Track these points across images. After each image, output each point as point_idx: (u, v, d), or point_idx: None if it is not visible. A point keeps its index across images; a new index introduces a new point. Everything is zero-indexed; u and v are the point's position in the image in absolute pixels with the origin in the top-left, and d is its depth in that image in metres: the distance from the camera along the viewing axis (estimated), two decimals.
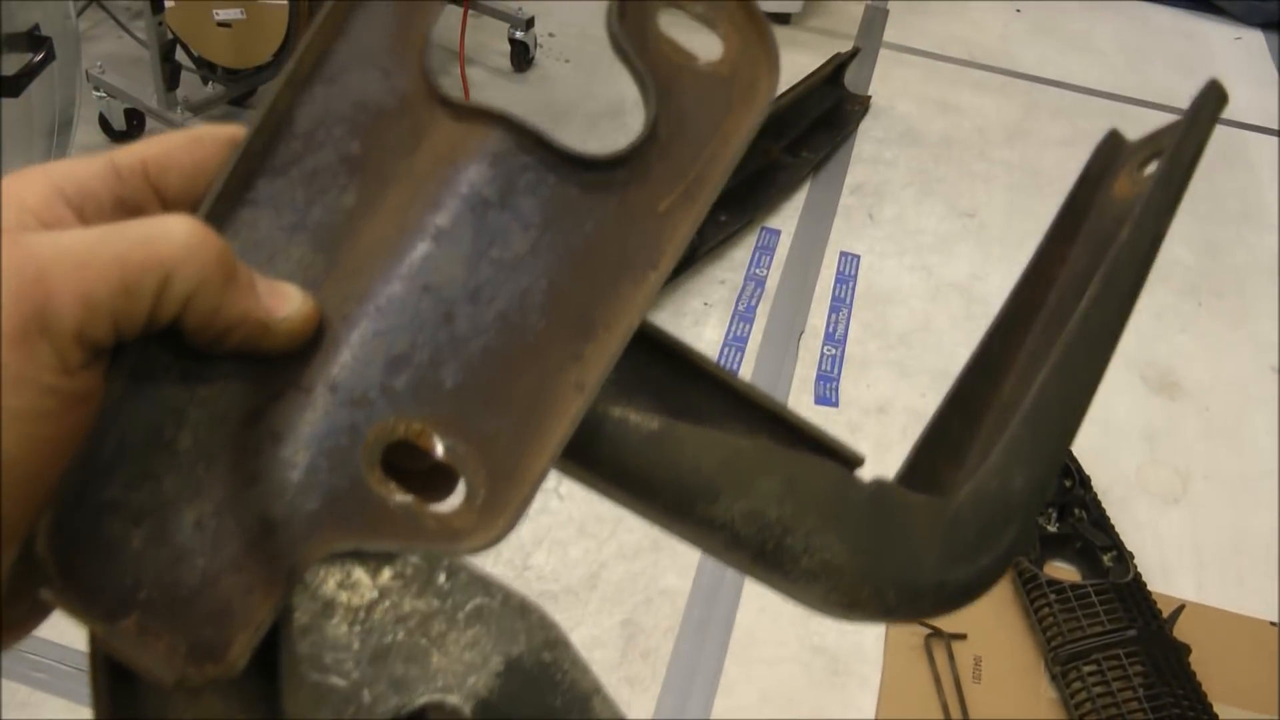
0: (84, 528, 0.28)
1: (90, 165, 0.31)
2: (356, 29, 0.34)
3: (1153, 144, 0.41)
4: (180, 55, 2.18)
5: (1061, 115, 2.77)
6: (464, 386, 0.32)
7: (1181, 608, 1.58)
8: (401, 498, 0.30)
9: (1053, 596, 1.56)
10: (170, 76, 2.16)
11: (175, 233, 0.29)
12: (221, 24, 2.10)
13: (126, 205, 0.32)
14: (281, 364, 0.31)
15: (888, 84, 2.78)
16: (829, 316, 2.07)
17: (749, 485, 0.34)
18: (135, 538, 0.28)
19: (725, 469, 0.34)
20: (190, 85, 2.22)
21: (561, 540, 1.63)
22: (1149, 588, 1.59)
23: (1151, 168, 0.40)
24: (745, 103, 0.37)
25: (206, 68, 2.24)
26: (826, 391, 1.91)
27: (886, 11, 3.15)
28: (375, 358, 0.31)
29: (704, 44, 0.39)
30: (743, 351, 1.97)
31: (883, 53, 2.94)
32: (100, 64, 2.23)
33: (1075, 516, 1.68)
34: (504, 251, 0.33)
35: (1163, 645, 1.51)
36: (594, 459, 0.34)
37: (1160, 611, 1.56)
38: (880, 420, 1.88)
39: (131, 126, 2.31)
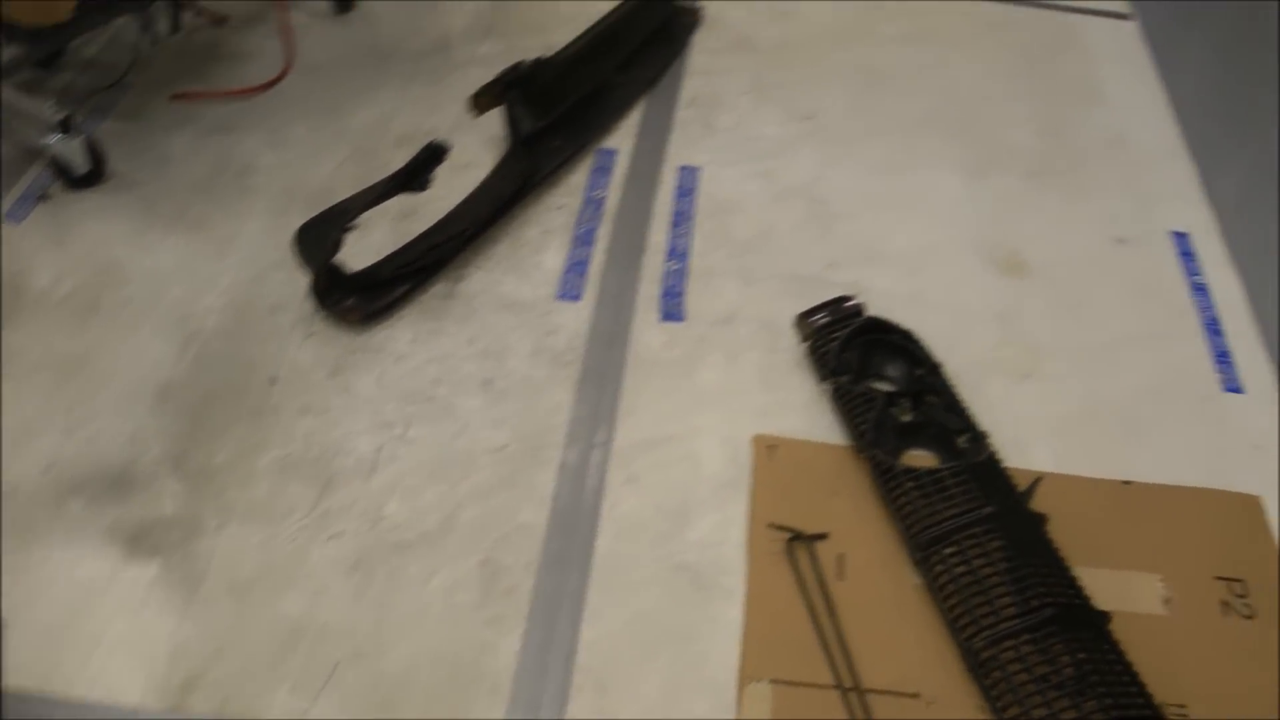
0: None
1: None
2: None
3: None
4: None
5: (900, 14, 2.74)
6: None
7: (1039, 479, 1.59)
8: None
9: (910, 485, 1.55)
10: None
11: None
12: None
13: None
14: None
15: None
16: (671, 231, 2.02)
17: None
18: None
19: None
20: None
21: (414, 487, 1.57)
22: (1006, 464, 1.60)
23: None
24: None
25: (5, 30, 2.09)
26: (672, 307, 1.86)
27: None
28: None
29: None
30: (584, 275, 1.91)
31: None
32: None
33: (928, 403, 1.67)
34: None
35: (1019, 518, 1.51)
36: None
37: (1017, 486, 1.56)
38: (727, 329, 1.84)
39: None
